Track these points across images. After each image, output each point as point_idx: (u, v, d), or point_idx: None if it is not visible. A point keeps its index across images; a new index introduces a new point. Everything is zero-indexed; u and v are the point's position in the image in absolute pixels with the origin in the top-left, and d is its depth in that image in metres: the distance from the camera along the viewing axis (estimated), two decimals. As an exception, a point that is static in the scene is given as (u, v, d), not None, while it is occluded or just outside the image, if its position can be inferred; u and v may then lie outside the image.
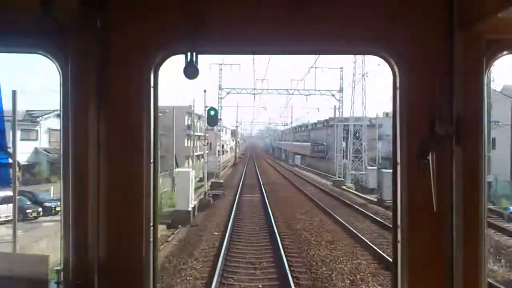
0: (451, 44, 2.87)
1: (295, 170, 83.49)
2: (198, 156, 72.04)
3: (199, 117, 77.61)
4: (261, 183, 52.70)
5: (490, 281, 16.18)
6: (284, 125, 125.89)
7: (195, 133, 70.97)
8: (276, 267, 19.62)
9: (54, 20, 2.82)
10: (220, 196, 41.84)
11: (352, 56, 51.90)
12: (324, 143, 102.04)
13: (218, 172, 58.41)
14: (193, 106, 66.78)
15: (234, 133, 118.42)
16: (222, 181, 53.10)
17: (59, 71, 3.00)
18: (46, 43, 2.98)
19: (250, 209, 35.05)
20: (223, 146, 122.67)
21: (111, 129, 2.96)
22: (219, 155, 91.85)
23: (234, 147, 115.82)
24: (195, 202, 33.35)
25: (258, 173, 68.87)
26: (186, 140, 72.96)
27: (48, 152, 51.53)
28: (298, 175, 70.53)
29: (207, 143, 53.37)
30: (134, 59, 2.97)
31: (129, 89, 2.98)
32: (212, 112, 39.88)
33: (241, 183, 52.63)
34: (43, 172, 50.76)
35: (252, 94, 63.63)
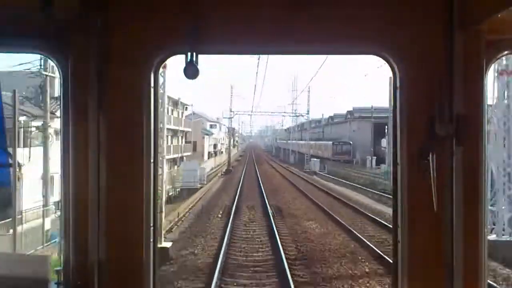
0: (451, 44, 2.87)
1: (322, 185, 48.68)
2: (174, 160, 53.35)
3: (176, 103, 58.82)
4: (282, 255, 18.81)
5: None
6: (296, 115, 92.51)
7: (167, 126, 46.38)
8: None
9: (54, 20, 2.82)
10: None
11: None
12: (350, 142, 78.78)
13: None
14: (164, 84, 39.07)
15: (231, 131, 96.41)
16: (168, 245, 19.75)
17: (59, 71, 3.00)
18: (46, 43, 2.98)
19: None
20: (215, 146, 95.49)
21: (111, 129, 2.96)
22: (210, 157, 66.82)
23: (229, 147, 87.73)
24: None
25: (266, 197, 36.01)
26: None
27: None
28: (338, 199, 36.46)
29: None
30: (134, 59, 2.97)
31: (129, 88, 2.98)
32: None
33: (222, 255, 18.90)
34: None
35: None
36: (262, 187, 42.86)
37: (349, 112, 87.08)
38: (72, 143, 2.95)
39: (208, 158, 72.81)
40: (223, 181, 54.61)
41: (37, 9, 2.64)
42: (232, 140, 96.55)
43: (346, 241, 22.17)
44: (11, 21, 2.89)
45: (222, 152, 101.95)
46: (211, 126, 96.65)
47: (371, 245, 20.37)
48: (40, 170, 27.36)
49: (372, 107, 66.88)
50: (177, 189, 42.84)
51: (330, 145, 79.29)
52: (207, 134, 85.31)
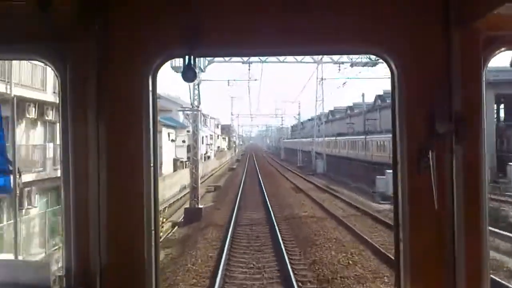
0: (449, 41, 2.87)
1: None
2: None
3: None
4: None
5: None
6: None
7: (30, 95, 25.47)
8: None
9: (52, 25, 2.82)
10: None
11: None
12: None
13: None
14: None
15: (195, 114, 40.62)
16: None
17: (57, 76, 3.00)
18: (45, 48, 2.98)
19: None
20: (191, 149, 43.09)
21: (110, 132, 2.96)
22: (179, 168, 40.55)
23: (194, 153, 37.84)
24: None
25: None
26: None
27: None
28: None
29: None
30: (133, 63, 2.97)
31: (128, 92, 2.98)
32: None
33: None
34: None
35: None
36: None
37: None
38: (71, 148, 2.95)
39: (175, 170, 43.11)
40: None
41: (35, 14, 2.64)
42: (228, 140, 62.55)
43: None
44: (7, 26, 2.89)
45: (209, 157, 71.74)
46: (186, 115, 52.67)
47: None
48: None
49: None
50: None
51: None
52: (169, 126, 51.91)
